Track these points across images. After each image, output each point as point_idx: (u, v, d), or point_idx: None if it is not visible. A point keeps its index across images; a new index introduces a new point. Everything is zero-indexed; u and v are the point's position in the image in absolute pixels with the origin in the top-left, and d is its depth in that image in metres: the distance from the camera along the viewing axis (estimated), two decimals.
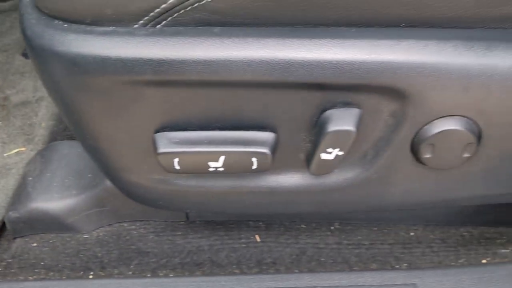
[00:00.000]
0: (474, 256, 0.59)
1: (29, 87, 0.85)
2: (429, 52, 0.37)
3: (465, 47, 0.37)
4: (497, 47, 0.37)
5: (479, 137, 0.41)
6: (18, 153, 0.74)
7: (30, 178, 0.62)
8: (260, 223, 0.63)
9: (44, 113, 0.78)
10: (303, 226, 0.63)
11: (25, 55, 0.90)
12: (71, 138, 0.70)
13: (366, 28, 0.38)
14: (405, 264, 0.59)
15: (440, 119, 0.40)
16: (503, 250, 0.60)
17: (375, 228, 0.62)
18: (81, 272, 0.59)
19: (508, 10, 0.37)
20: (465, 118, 0.40)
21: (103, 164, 0.47)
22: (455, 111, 0.39)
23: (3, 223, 0.62)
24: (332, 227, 0.63)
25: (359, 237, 0.62)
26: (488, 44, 0.37)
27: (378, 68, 0.37)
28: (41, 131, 0.76)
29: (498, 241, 0.61)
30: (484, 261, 0.59)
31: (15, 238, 0.62)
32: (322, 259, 0.60)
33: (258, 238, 0.62)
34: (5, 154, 0.75)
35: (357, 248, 0.60)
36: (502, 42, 0.38)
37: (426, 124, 0.40)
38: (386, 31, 0.38)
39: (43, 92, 0.81)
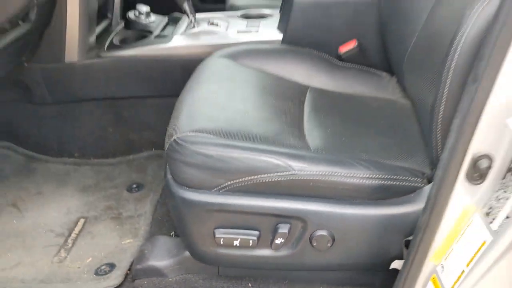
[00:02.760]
0: None
1: (132, 208, 1.56)
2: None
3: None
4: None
5: (333, 238, 1.10)
6: (129, 242, 1.44)
7: (146, 251, 1.30)
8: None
9: (143, 222, 1.48)
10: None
11: (128, 190, 1.63)
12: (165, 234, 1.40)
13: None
14: None
15: (318, 230, 1.09)
16: None
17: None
18: None
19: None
20: (328, 230, 1.09)
21: (186, 244, 1.16)
22: (324, 228, 1.09)
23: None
24: None
25: None
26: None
27: (295, 212, 1.08)
28: (142, 230, 1.46)
29: None
30: None
31: (134, 280, 1.29)
32: None
33: None
34: (122, 242, 1.44)
35: None
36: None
37: (314, 231, 1.09)
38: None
39: (141, 211, 1.53)
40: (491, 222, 0.80)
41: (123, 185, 1.65)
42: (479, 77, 0.73)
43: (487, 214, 0.82)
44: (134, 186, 1.65)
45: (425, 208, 0.87)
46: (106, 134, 1.77)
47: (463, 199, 0.84)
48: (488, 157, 0.79)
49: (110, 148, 1.78)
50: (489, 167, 0.80)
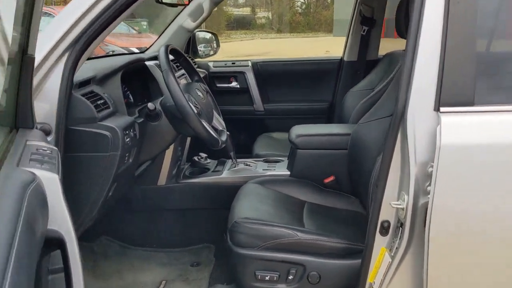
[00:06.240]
0: None
1: (194, 276, 2.47)
2: None
3: None
4: None
5: (320, 276, 2.01)
6: None
7: None
8: None
9: (202, 283, 2.38)
10: None
11: (191, 265, 2.55)
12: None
13: None
14: None
15: (311, 271, 2.01)
16: None
17: None
18: None
19: None
20: (317, 272, 2.01)
21: (237, 283, 2.07)
22: (315, 270, 2.01)
23: None
24: None
25: None
26: None
27: (299, 261, 2.02)
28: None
29: None
30: None
31: None
32: None
33: None
34: None
35: None
36: None
37: (309, 272, 2.01)
38: None
39: (201, 276, 2.43)
40: (391, 254, 1.76)
41: (187, 263, 2.57)
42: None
43: (390, 250, 1.79)
44: (194, 263, 2.57)
45: (363, 253, 1.83)
46: (176, 232, 2.74)
47: (379, 245, 1.81)
48: (388, 221, 1.79)
49: (177, 242, 2.73)
50: (388, 226, 1.79)
